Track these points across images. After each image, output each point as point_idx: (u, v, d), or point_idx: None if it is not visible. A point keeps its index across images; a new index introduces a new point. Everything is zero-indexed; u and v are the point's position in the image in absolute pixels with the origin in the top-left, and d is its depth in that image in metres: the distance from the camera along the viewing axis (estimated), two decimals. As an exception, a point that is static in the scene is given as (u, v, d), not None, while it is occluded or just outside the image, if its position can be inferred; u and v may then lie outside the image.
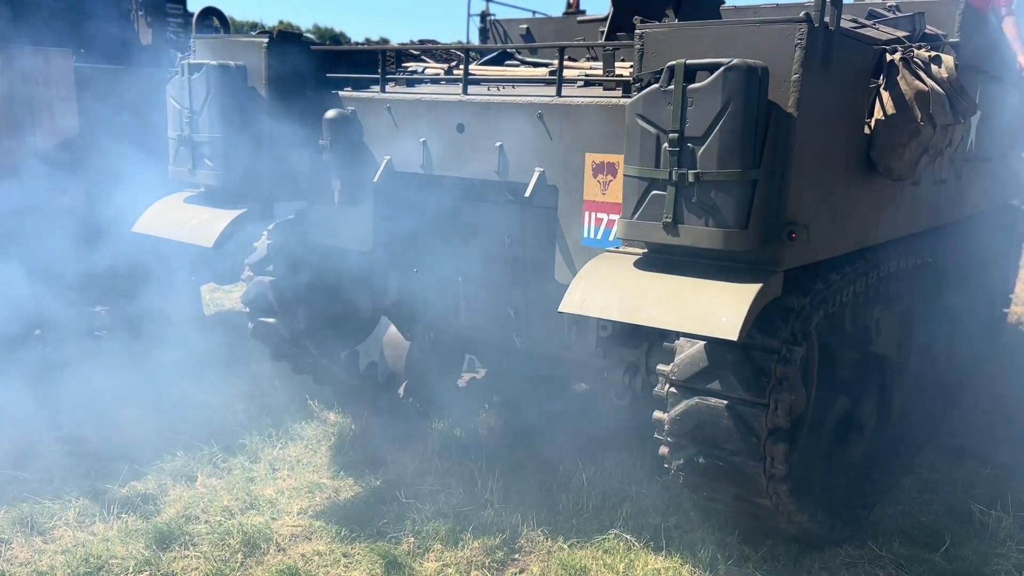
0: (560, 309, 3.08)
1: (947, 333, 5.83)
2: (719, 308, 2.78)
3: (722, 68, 2.75)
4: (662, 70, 2.89)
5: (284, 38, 4.35)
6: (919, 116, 3.33)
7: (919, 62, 3.45)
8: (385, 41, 5.42)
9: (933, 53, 3.62)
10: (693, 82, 2.84)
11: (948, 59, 3.66)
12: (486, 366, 6.04)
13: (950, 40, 4.35)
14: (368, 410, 5.49)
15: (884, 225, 3.86)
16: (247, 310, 5.01)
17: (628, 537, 4.09)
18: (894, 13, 4.26)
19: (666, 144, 2.88)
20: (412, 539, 4.08)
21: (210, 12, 4.69)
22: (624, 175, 3.04)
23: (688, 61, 2.82)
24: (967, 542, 4.17)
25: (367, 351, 5.53)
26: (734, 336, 2.70)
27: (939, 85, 3.45)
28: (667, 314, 2.85)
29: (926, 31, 4.13)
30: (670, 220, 2.89)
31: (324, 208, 4.49)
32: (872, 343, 4.37)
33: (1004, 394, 6.44)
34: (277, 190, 4.55)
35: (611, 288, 3.02)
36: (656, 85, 2.90)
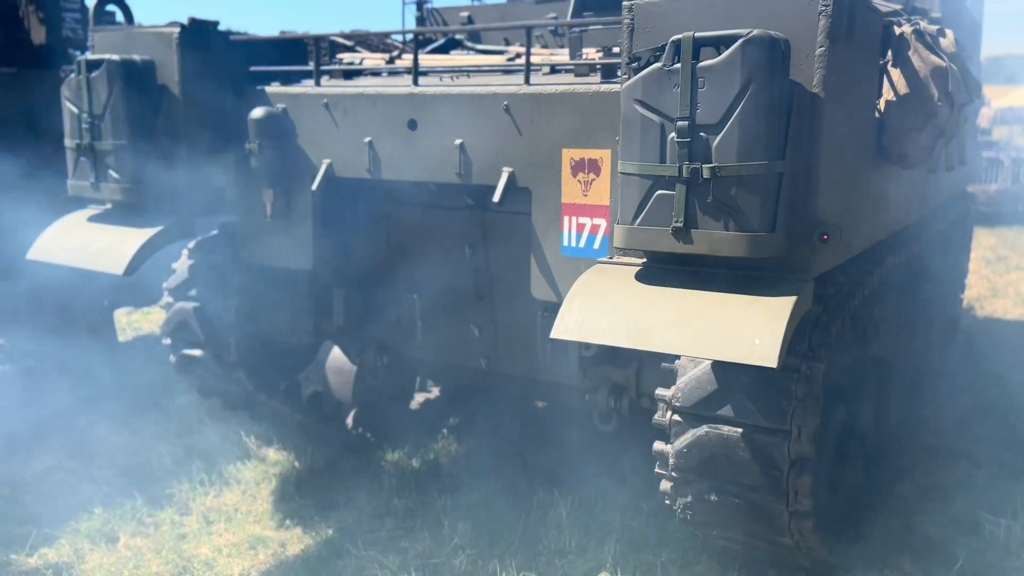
0: (553, 335, 2.59)
1: (923, 326, 5.57)
2: (750, 329, 2.33)
3: (740, 41, 2.30)
4: (664, 46, 2.43)
5: (198, 28, 3.76)
6: (936, 95, 2.96)
7: (929, 36, 3.08)
8: (305, 33, 4.85)
9: (937, 26, 3.27)
10: (701, 59, 2.39)
11: (951, 32, 3.32)
12: (439, 386, 5.54)
13: (933, 15, 4.04)
14: (313, 445, 4.92)
15: (889, 218, 3.50)
16: (168, 342, 4.38)
17: (621, 579, 3.65)
18: (877, -14, 3.92)
19: (673, 134, 2.42)
20: (376, 601, 3.57)
21: (109, 1, 4.05)
22: (620, 172, 2.57)
23: (697, 34, 2.37)
24: (980, 556, 3.87)
25: (309, 380, 4.96)
26: (773, 363, 2.26)
27: (951, 60, 3.10)
28: (687, 338, 2.39)
29: (915, 4, 3.79)
30: (681, 225, 2.43)
31: (255, 222, 3.92)
32: (869, 346, 4.02)
33: (971, 387, 6.25)
34: (198, 203, 3.96)
35: (613, 308, 2.54)
36: (658, 64, 2.44)
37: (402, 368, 4.78)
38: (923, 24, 3.16)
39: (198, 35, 3.75)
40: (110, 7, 4.11)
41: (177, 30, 3.68)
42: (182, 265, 4.35)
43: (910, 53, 3.00)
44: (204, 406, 5.35)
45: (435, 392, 5.62)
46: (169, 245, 4.02)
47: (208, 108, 3.79)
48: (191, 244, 4.35)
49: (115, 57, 3.56)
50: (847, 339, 3.74)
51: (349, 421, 4.98)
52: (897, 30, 3.05)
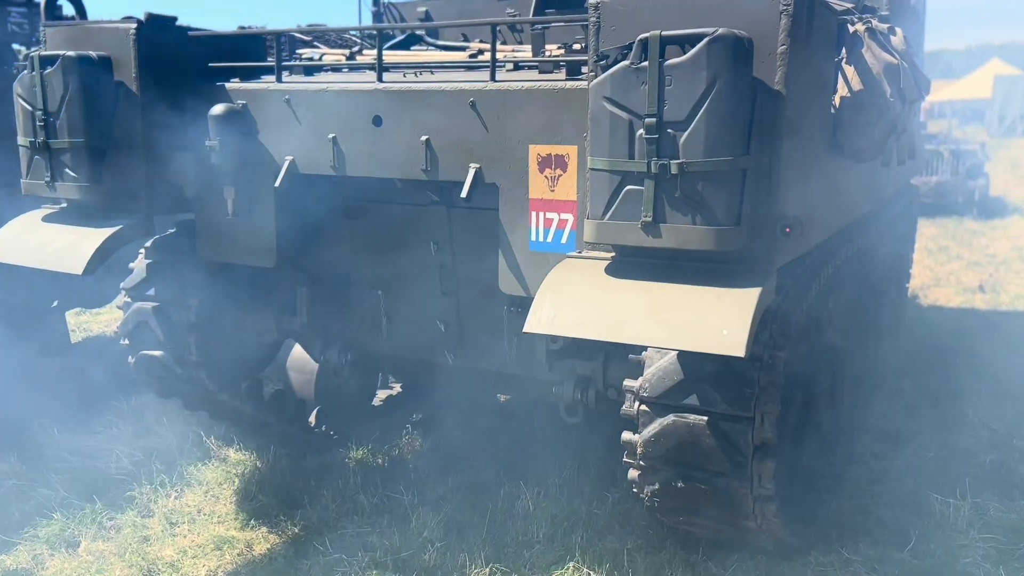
0: (526, 329, 2.63)
1: (871, 315, 5.74)
2: (718, 320, 2.40)
3: (705, 40, 2.36)
4: (632, 45, 2.47)
5: (156, 23, 3.69)
6: (888, 92, 3.07)
7: (880, 33, 3.19)
8: (264, 28, 4.81)
9: (887, 24, 3.38)
10: (667, 58, 2.45)
11: (900, 30, 3.43)
12: (402, 381, 5.54)
13: (882, 13, 4.16)
14: (276, 444, 4.88)
15: (843, 210, 3.61)
16: (126, 343, 4.30)
17: (588, 569, 3.71)
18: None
19: (641, 131, 2.48)
20: (347, 597, 3.57)
21: (62, -5, 3.96)
22: (590, 169, 2.62)
23: (664, 33, 2.42)
24: (932, 535, 4.02)
25: (271, 378, 4.92)
26: (741, 352, 2.33)
27: (901, 58, 3.21)
28: (658, 330, 2.45)
29: (866, 3, 3.91)
30: (650, 219, 2.49)
31: (216, 220, 3.87)
32: (824, 335, 4.14)
33: (918, 371, 6.46)
34: (156, 202, 3.89)
35: (584, 302, 2.59)
36: (626, 63, 2.48)
37: (366, 365, 4.77)
38: (875, 22, 3.27)
39: (155, 30, 3.68)
40: (61, 1, 4.01)
41: (134, 25, 3.61)
42: (140, 264, 4.27)
43: (863, 51, 3.10)
44: (161, 407, 5.27)
45: (397, 388, 5.62)
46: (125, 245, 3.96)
47: (166, 105, 3.73)
48: (148, 243, 4.28)
49: (71, 53, 3.48)
50: (805, 328, 3.85)
51: (312, 419, 4.95)
52: (851, 28, 3.14)
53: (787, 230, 2.55)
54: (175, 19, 3.80)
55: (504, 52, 3.82)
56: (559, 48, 3.64)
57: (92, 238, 3.65)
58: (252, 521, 4.21)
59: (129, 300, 4.26)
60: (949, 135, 15.77)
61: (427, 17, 5.26)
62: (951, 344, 7.19)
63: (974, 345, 7.16)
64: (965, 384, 6.09)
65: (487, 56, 3.36)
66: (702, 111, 2.39)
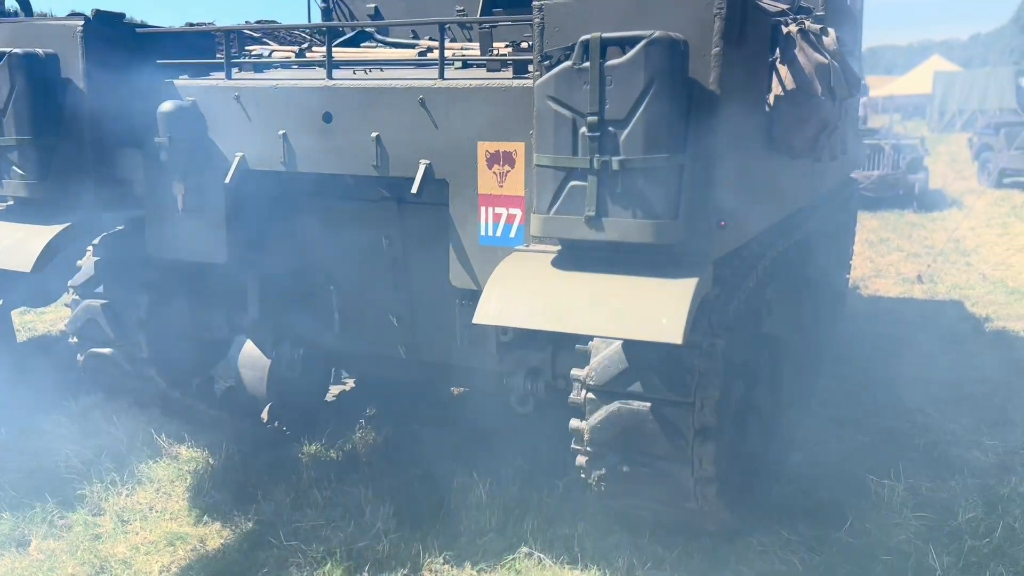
0: (476, 320, 2.72)
1: (811, 304, 5.94)
2: (657, 309, 2.51)
3: (643, 42, 2.47)
4: (574, 46, 2.57)
5: (103, 20, 3.69)
6: (820, 90, 3.21)
7: (813, 34, 3.33)
8: (212, 24, 4.84)
9: (820, 25, 3.52)
10: (608, 58, 2.55)
11: (832, 31, 3.58)
12: (355, 376, 5.58)
13: (817, 13, 4.32)
14: (228, 441, 4.88)
15: (779, 204, 3.76)
16: (75, 340, 4.28)
17: (540, 554, 3.81)
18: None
19: (584, 129, 2.57)
20: (302, 588, 3.61)
21: (7, -9, 3.92)
22: (536, 165, 2.71)
23: (604, 35, 2.52)
24: (868, 515, 4.20)
25: (222, 375, 4.92)
26: (678, 339, 2.45)
27: (832, 58, 3.35)
28: (600, 319, 2.55)
29: (801, 3, 4.06)
30: (593, 214, 2.59)
31: (165, 216, 3.88)
32: (763, 323, 4.30)
33: (857, 357, 6.70)
34: (105, 199, 3.89)
35: (531, 293, 2.68)
36: (568, 63, 2.58)
37: (318, 360, 4.80)
38: (808, 23, 3.41)
39: (103, 27, 3.67)
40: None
41: (81, 22, 3.60)
42: (87, 262, 4.25)
43: (796, 51, 3.24)
44: (110, 406, 5.23)
45: (351, 383, 5.66)
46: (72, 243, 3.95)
47: (115, 102, 3.72)
48: (96, 240, 4.26)
49: (17, 50, 3.46)
50: (743, 317, 4.00)
51: (264, 415, 4.97)
52: (784, 29, 3.28)
53: (723, 223, 2.67)
54: (123, 16, 3.79)
55: (453, 50, 3.89)
56: (507, 47, 3.72)
57: (40, 235, 3.64)
58: (205, 517, 4.22)
59: (77, 298, 4.24)
60: (890, 130, 16.21)
61: (376, 13, 5.29)
62: (890, 332, 7.47)
63: (912, 334, 7.44)
64: (902, 371, 6.34)
65: (436, 54, 3.43)
66: (641, 110, 2.50)
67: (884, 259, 10.85)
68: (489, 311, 2.71)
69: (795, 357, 5.29)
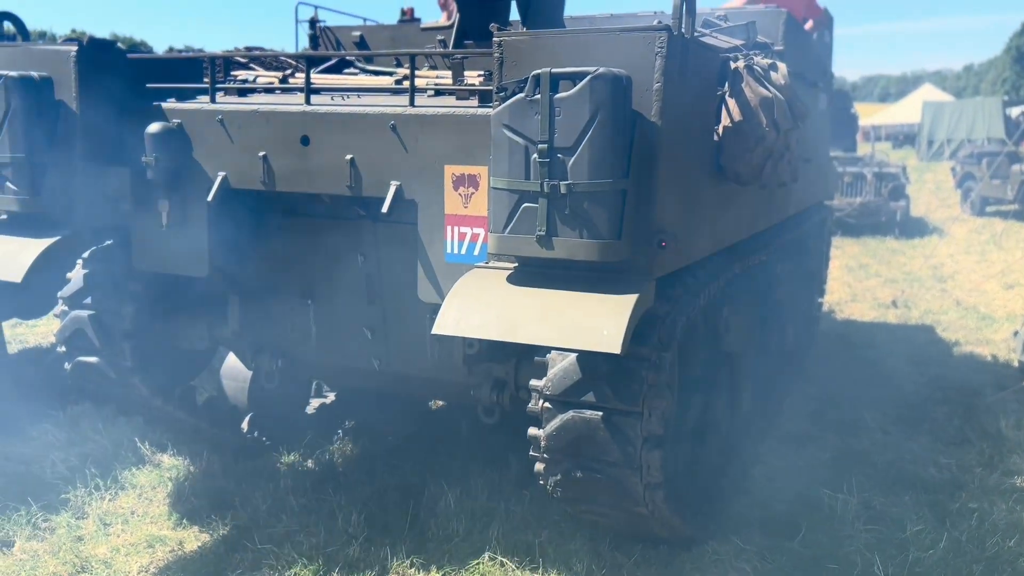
0: (434, 331, 2.92)
1: (777, 326, 6.14)
2: (599, 321, 2.72)
3: (588, 77, 2.69)
4: (527, 79, 2.79)
5: (96, 46, 3.91)
6: (764, 122, 3.44)
7: (760, 69, 3.56)
8: (200, 51, 5.10)
9: (770, 61, 3.76)
10: (559, 91, 2.77)
11: (782, 66, 3.81)
12: (334, 390, 5.75)
13: (776, 48, 4.57)
14: (209, 449, 5.06)
15: (732, 228, 3.98)
16: (63, 349, 4.46)
17: (503, 559, 3.98)
18: (725, 23, 4.42)
19: (535, 155, 2.79)
20: (273, 587, 3.78)
21: (4, 17, 4.14)
22: (492, 188, 2.93)
23: (553, 70, 2.74)
24: (820, 527, 4.37)
25: (205, 385, 5.10)
26: (617, 349, 2.65)
27: (779, 91, 3.58)
28: (547, 330, 2.76)
29: (757, 40, 4.30)
30: (544, 233, 2.81)
31: (151, 231, 4.07)
32: (722, 341, 4.50)
33: (826, 378, 6.90)
34: (94, 214, 4.09)
35: (486, 306, 2.89)
36: (522, 95, 2.80)
37: (297, 372, 4.98)
38: (757, 59, 3.64)
39: (96, 53, 3.90)
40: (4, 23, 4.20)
41: (75, 48, 3.82)
42: (76, 274, 4.44)
43: (743, 85, 3.47)
44: (97, 415, 5.40)
45: (332, 397, 5.83)
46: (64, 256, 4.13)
47: (105, 123, 3.93)
48: (86, 254, 4.45)
49: (13, 73, 3.68)
50: (699, 335, 4.20)
51: (244, 425, 5.14)
52: (732, 65, 3.52)
53: (663, 244, 2.88)
54: (115, 43, 4.02)
55: (429, 78, 4.11)
56: (480, 76, 3.96)
57: (31, 248, 3.82)
58: (184, 521, 4.39)
59: (66, 308, 4.42)
60: (872, 158, 16.52)
61: (361, 41, 5.54)
62: (859, 355, 7.67)
63: (881, 356, 7.65)
64: (868, 392, 6.54)
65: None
66: (586, 139, 2.72)
67: (861, 284, 11.06)
68: (447, 322, 2.92)
69: (758, 376, 5.49)
